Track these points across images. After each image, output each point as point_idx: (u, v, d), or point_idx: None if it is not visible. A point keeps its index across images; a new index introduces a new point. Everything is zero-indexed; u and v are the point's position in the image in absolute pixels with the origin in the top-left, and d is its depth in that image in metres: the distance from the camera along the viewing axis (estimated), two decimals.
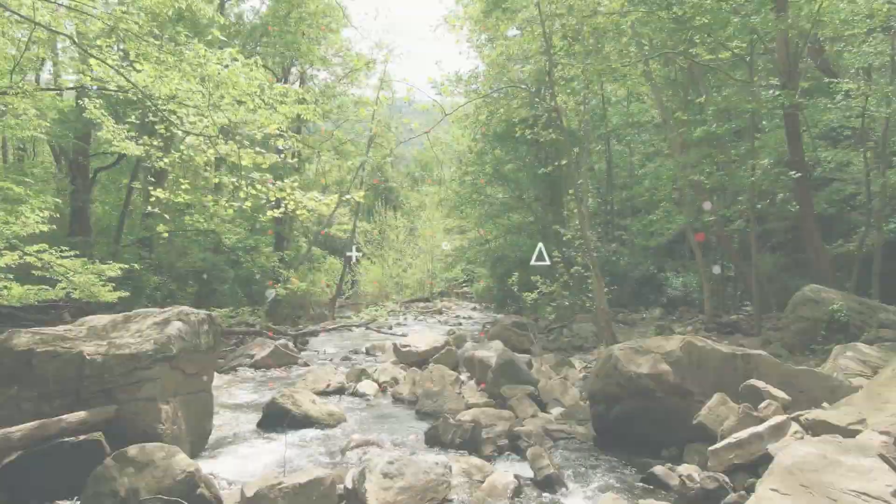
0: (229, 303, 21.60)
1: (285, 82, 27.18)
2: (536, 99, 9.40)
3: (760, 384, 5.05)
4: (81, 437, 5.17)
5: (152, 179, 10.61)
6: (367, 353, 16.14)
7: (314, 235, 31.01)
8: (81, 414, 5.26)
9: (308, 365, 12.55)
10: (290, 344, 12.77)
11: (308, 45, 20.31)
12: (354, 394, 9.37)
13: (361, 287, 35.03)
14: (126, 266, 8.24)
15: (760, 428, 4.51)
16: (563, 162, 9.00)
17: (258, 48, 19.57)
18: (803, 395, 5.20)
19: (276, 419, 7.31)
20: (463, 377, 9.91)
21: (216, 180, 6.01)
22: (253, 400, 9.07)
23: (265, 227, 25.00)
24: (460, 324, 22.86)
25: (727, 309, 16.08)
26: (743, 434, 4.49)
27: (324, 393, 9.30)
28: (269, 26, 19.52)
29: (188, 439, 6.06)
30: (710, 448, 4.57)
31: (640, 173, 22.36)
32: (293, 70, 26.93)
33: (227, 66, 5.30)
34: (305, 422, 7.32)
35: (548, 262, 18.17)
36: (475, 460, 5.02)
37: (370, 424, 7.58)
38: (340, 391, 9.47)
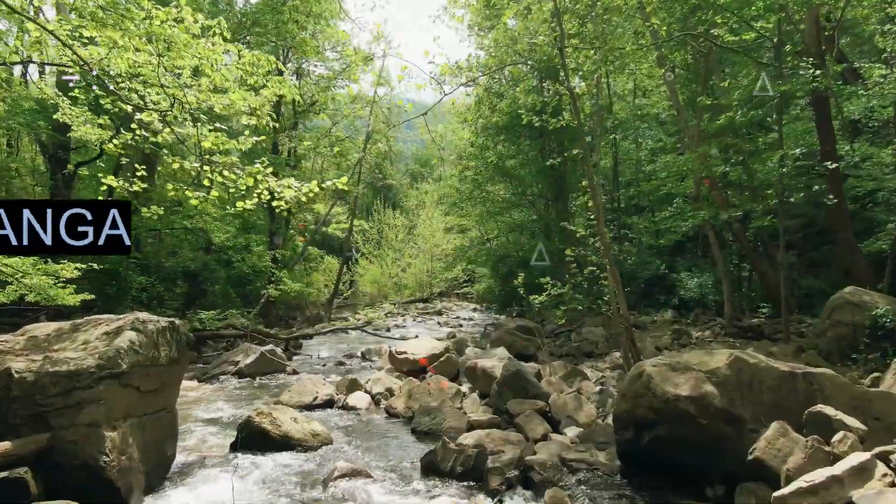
0: (221, 304, 20.73)
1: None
2: (545, 83, 8.50)
3: (830, 411, 4.14)
4: (4, 474, 4.27)
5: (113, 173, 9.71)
6: (363, 357, 15.30)
7: (311, 234, 30.15)
8: (6, 444, 4.36)
9: (297, 372, 11.64)
10: (279, 349, 11.82)
11: (301, 34, 19.35)
12: (344, 407, 8.46)
13: (360, 287, 34.14)
14: (83, 266, 7.33)
15: (838, 470, 3.59)
16: (575, 152, 8.13)
17: (249, 38, 18.63)
18: (879, 423, 4.28)
19: (251, 441, 6.41)
20: (464, 388, 9.01)
21: (175, 165, 5.11)
22: (233, 414, 8.16)
23: (256, 225, 24.18)
24: (461, 325, 21.99)
25: (741, 310, 15.18)
26: (817, 477, 3.58)
27: (310, 406, 8.41)
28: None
29: (143, 470, 5.15)
30: (775, 494, 3.64)
31: (647, 170, 21.42)
32: (288, 65, 26.05)
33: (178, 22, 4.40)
34: (285, 444, 6.41)
35: (547, 262, 17.23)
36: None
37: (359, 446, 6.67)
38: (329, 404, 8.56)
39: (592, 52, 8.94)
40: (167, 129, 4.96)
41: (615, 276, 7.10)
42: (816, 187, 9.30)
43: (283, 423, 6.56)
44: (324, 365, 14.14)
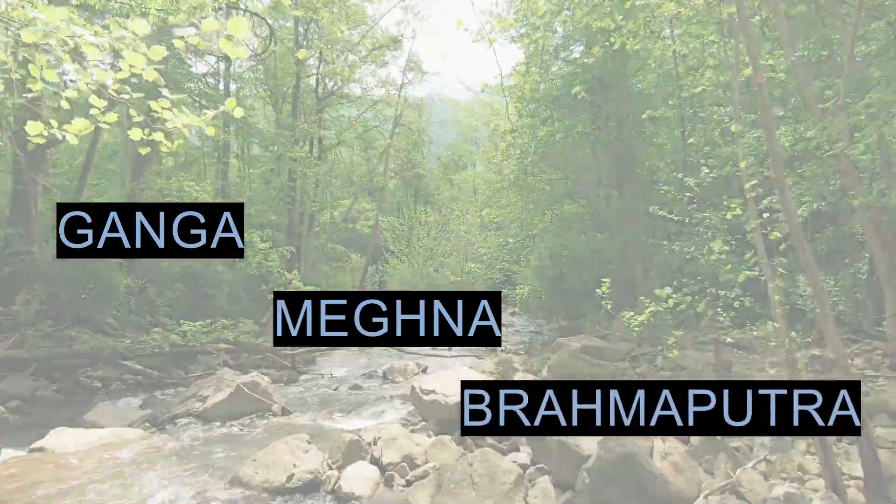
0: (229, 311, 18.07)
1: (298, 59, 23.56)
2: None
3: None
4: None
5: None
6: (385, 376, 12.37)
7: (331, 230, 27.44)
8: None
9: (288, 412, 8.52)
10: (265, 380, 8.76)
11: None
12: (335, 494, 5.30)
13: (389, 288, 31.22)
14: None
15: None
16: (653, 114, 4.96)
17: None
18: None
19: None
20: (524, 456, 5.78)
21: None
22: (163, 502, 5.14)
23: (270, 221, 21.60)
24: None
25: (855, 323, 11.67)
26: None
27: (282, 491, 5.31)
28: None
29: None
30: None
31: (727, 152, 17.64)
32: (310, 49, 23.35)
33: None
34: None
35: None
36: None
37: None
38: (312, 488, 5.41)
39: None
40: None
41: (821, 295, 3.80)
42: None
43: None
44: (335, 389, 11.18)
